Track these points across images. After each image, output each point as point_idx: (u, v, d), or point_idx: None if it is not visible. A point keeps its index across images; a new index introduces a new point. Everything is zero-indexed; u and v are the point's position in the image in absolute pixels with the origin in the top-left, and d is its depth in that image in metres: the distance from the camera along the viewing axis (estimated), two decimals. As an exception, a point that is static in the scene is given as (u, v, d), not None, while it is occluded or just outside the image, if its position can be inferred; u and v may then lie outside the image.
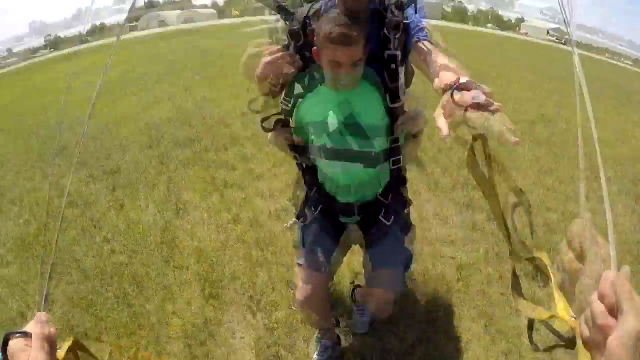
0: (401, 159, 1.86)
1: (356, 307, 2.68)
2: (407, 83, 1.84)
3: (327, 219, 2.04)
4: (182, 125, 6.74)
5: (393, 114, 1.73)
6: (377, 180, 1.91)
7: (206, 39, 25.20)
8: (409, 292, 2.84)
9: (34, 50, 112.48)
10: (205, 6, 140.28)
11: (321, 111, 1.76)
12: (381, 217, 1.95)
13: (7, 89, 18.26)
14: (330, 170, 1.87)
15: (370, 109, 1.72)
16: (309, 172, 2.00)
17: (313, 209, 2.04)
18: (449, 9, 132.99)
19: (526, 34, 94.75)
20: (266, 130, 1.87)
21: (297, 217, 2.11)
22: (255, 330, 2.72)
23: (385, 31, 1.60)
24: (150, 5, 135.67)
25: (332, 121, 1.73)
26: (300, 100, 1.80)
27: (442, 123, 1.13)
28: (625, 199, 4.81)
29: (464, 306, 2.88)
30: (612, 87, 15.06)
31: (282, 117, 1.86)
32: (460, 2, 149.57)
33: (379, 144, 1.76)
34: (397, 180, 1.96)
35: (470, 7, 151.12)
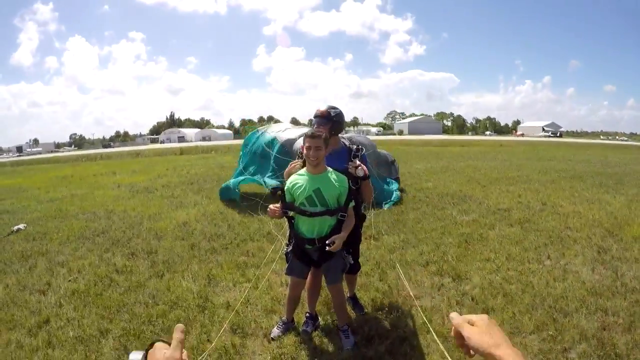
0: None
1: (341, 331, 3.85)
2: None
3: (299, 246, 3.69)
4: (209, 224, 7.97)
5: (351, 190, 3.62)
6: (330, 224, 3.58)
7: (224, 156, 26.82)
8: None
9: (58, 146, 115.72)
10: (222, 127, 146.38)
11: (302, 185, 3.52)
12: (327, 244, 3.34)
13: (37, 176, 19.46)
14: (301, 221, 3.63)
15: (330, 186, 3.49)
16: (291, 220, 3.71)
17: (293, 240, 3.74)
18: (449, 123, 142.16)
19: (522, 134, 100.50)
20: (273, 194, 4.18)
21: (287, 244, 3.93)
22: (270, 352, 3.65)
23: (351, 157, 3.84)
24: (173, 122, 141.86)
25: (307, 190, 3.49)
26: (294, 178, 3.63)
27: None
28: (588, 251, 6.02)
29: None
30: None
31: (282, 188, 3.70)
32: (460, 115, 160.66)
33: (333, 205, 3.53)
34: (339, 223, 3.56)
35: (468, 119, 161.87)
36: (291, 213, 3.64)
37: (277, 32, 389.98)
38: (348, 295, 4.49)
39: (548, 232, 7.07)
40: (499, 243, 6.49)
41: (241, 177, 10.23)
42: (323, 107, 4.03)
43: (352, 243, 3.98)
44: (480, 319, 1.05)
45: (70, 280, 5.42)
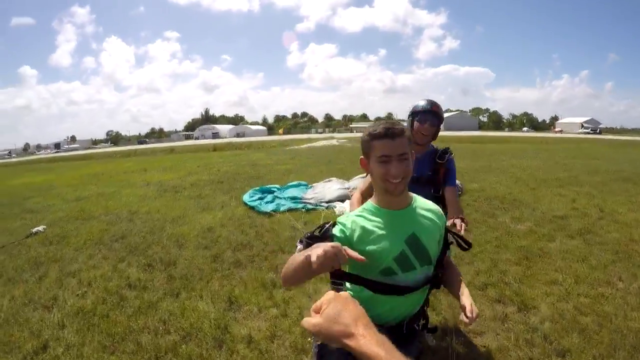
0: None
1: None
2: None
3: None
4: (236, 230, 7.26)
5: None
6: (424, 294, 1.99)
7: (256, 153, 26.44)
8: None
9: (95, 142, 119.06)
10: (256, 123, 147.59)
11: (381, 236, 1.79)
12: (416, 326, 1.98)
13: (69, 173, 19.49)
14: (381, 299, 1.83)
15: (427, 226, 1.86)
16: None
17: None
18: (485, 119, 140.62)
19: (561, 131, 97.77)
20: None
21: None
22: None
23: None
24: (207, 119, 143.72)
25: (395, 245, 1.78)
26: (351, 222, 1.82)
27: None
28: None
29: None
30: None
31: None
32: (496, 111, 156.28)
33: (434, 257, 1.88)
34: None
35: (504, 115, 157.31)
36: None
37: (310, 29, 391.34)
38: None
39: (612, 245, 6.13)
40: (562, 259, 5.55)
41: (249, 199, 9.70)
42: (423, 101, 3.19)
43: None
44: (326, 300, 0.91)
45: (78, 295, 4.88)
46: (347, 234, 1.76)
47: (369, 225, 1.78)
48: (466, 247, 2.02)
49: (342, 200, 9.20)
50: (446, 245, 1.97)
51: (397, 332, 1.87)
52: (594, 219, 7.76)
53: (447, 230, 2.00)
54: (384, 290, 1.78)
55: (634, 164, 18.46)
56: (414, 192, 2.68)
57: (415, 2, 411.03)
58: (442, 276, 1.95)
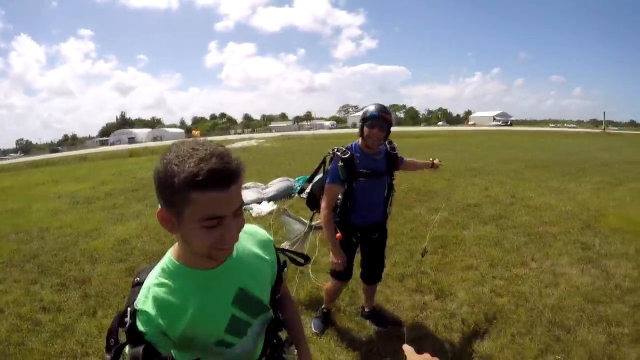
0: None
1: None
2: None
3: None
4: (151, 240, 7.14)
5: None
6: None
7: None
8: None
9: (4, 152, 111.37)
10: (174, 126, 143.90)
11: None
12: None
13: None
14: None
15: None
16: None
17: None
18: (402, 115, 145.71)
19: (474, 124, 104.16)
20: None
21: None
22: None
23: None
24: (123, 122, 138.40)
25: None
26: None
27: None
28: (572, 248, 5.74)
29: None
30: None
31: None
32: (412, 107, 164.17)
33: None
34: None
35: (421, 110, 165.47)
36: None
37: (229, 28, 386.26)
38: (367, 311, 4.08)
39: (525, 228, 6.75)
40: (476, 245, 6.04)
41: None
42: (372, 107, 3.30)
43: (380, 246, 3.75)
44: None
45: None
46: (158, 326, 1.19)
47: (178, 300, 1.23)
48: (302, 261, 1.80)
49: (259, 202, 9.21)
50: (281, 269, 1.60)
51: None
52: (506, 204, 8.46)
53: (279, 250, 1.62)
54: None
55: (545, 152, 19.94)
56: (376, 186, 3.37)
57: (335, 3, 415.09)
58: (283, 316, 1.63)
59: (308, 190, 3.82)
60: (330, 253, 3.36)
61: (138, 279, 1.33)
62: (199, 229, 1.09)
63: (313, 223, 4.12)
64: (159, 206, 1.12)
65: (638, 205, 8.07)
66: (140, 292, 1.24)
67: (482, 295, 4.50)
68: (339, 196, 3.39)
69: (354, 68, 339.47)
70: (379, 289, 4.13)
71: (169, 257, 1.28)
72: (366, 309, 4.10)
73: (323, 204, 3.31)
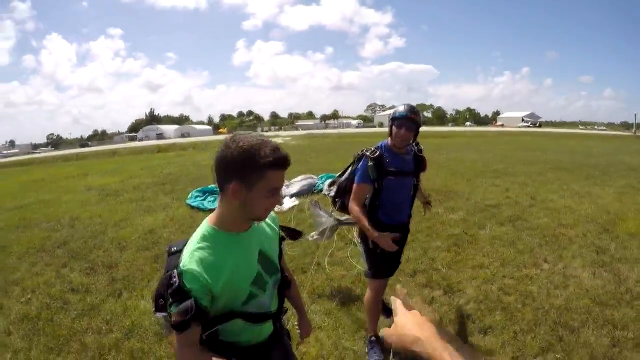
0: None
1: None
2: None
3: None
4: (177, 230, 7.43)
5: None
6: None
7: (201, 154, 26.19)
8: None
9: (35, 147, 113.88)
10: (202, 122, 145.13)
11: None
12: None
13: (8, 180, 18.85)
14: None
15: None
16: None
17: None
18: (429, 115, 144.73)
19: (502, 125, 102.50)
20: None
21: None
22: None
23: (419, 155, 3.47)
24: (152, 119, 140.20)
25: None
26: None
27: None
28: (586, 252, 5.71)
29: None
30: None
31: None
32: (439, 107, 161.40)
33: None
34: None
35: (448, 110, 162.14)
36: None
37: (257, 26, 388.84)
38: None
39: (541, 230, 6.73)
40: (491, 245, 6.09)
41: (190, 199, 9.80)
42: (402, 107, 3.30)
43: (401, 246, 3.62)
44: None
45: (22, 302, 4.95)
46: (203, 281, 1.45)
47: (219, 259, 1.52)
48: (296, 236, 2.32)
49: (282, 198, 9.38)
50: (280, 242, 1.93)
51: (271, 340, 1.87)
52: (525, 206, 8.41)
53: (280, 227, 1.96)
54: (258, 319, 1.72)
55: (570, 154, 19.57)
56: (403, 185, 3.40)
57: (363, 1, 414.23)
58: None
59: (334, 189, 3.81)
60: (372, 240, 3.28)
61: (175, 248, 1.63)
62: (264, 198, 1.52)
63: (342, 218, 4.12)
64: (232, 183, 1.48)
65: (660, 210, 7.91)
66: (184, 256, 1.51)
67: (490, 293, 4.58)
68: (367, 196, 3.40)
69: (382, 67, 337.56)
70: (389, 283, 4.25)
71: (206, 225, 1.60)
72: None
73: (352, 203, 3.35)
